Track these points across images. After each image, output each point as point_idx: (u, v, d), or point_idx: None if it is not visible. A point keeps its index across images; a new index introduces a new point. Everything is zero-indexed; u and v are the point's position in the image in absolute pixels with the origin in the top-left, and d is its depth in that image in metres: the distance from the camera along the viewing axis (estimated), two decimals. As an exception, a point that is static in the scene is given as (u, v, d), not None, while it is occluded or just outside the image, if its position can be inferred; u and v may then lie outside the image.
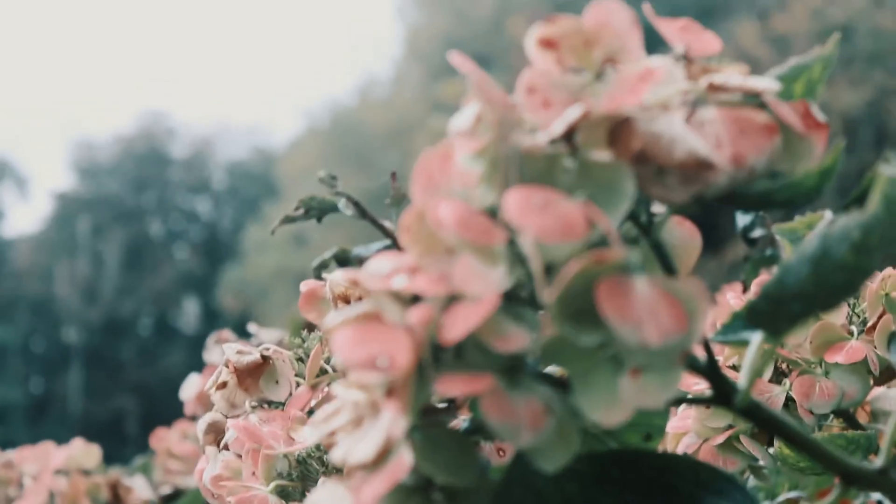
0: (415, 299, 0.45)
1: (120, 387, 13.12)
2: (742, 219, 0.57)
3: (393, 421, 0.42)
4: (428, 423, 0.43)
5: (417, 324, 0.41)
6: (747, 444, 0.88)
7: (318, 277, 0.62)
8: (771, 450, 0.87)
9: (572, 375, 0.42)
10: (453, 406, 0.45)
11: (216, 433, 0.89)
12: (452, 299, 0.43)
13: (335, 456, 0.45)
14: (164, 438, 2.00)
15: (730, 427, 0.83)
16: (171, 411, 2.14)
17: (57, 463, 1.71)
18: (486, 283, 0.42)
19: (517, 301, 0.44)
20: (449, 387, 0.41)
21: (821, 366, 0.90)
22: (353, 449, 0.43)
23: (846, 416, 0.89)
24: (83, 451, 1.81)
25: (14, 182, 15.88)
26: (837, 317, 0.89)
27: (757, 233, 0.58)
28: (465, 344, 0.43)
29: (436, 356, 0.44)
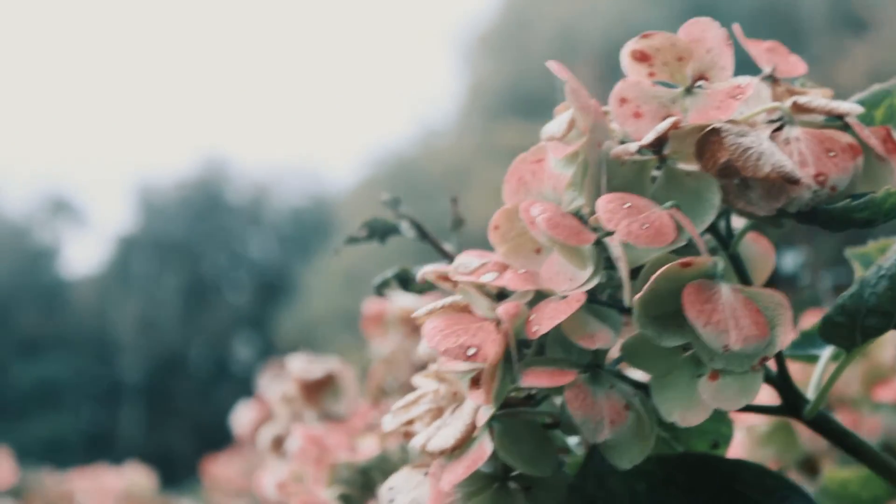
0: (499, 295, 0.47)
1: (175, 423, 13.28)
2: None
3: (478, 409, 0.43)
4: (507, 414, 0.44)
5: (506, 317, 0.42)
6: (794, 474, 0.89)
7: (380, 294, 0.64)
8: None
9: (652, 376, 0.43)
10: (532, 399, 0.47)
11: (279, 444, 0.92)
12: (538, 296, 0.45)
13: (415, 443, 0.46)
14: (214, 466, 2.03)
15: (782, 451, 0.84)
16: (224, 447, 2.15)
17: (114, 488, 1.72)
18: (574, 282, 0.43)
19: (599, 301, 0.46)
20: (535, 379, 0.42)
21: (867, 402, 0.91)
22: (435, 436, 0.45)
23: (892, 452, 0.90)
24: (139, 477, 1.82)
25: (72, 221, 16.27)
26: (886, 354, 0.90)
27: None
28: (547, 339, 0.45)
29: (517, 350, 0.46)
